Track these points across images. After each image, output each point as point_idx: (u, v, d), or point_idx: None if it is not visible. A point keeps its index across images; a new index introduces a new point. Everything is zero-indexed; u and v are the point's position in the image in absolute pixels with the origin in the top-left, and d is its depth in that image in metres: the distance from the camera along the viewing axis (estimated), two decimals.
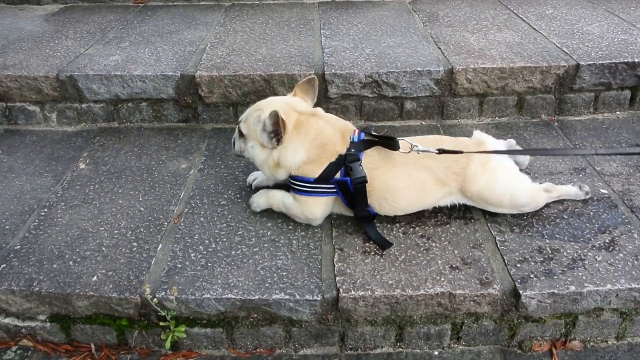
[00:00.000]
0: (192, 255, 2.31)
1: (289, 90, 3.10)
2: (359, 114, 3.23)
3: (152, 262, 2.28)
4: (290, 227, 2.44)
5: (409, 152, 2.31)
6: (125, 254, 2.33)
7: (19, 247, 2.41)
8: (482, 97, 3.21)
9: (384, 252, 2.27)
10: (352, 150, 2.33)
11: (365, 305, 2.12)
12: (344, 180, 2.31)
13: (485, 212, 2.48)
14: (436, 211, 2.48)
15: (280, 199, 2.50)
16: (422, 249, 2.29)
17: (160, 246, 2.36)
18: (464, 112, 3.25)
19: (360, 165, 2.31)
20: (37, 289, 2.19)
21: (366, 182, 2.30)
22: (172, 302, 2.11)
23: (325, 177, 2.33)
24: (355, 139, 2.37)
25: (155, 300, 2.10)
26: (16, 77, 3.25)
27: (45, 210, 2.62)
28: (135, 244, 2.38)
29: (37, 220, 2.55)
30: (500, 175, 2.39)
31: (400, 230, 2.39)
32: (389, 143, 2.35)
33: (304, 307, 2.12)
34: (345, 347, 2.25)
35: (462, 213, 2.48)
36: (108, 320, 2.25)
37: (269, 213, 2.53)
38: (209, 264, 2.26)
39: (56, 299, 2.20)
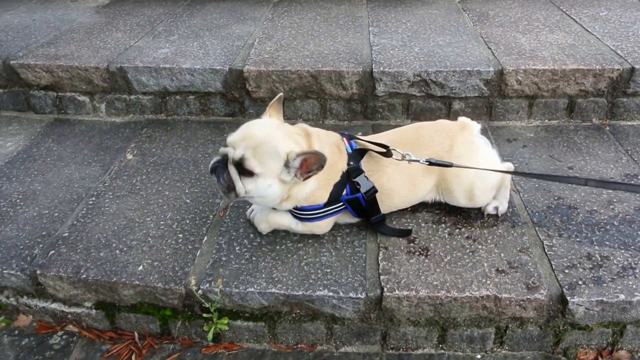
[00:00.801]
0: (236, 248, 2.32)
1: (336, 86, 3.10)
2: (405, 113, 3.21)
3: (197, 254, 2.30)
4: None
5: (402, 160, 2.25)
6: (171, 245, 2.35)
7: (67, 234, 2.45)
8: (532, 99, 3.15)
9: (429, 253, 2.24)
10: (351, 162, 2.26)
11: (409, 306, 2.09)
12: (356, 197, 2.25)
13: (532, 216, 2.43)
14: (482, 213, 2.45)
15: (287, 225, 2.36)
16: (467, 250, 2.26)
17: (205, 238, 2.38)
18: (512, 114, 3.19)
19: (365, 176, 2.25)
20: (84, 276, 2.23)
21: (377, 191, 2.25)
22: (216, 294, 2.12)
23: (334, 198, 2.25)
24: (349, 150, 2.29)
25: (200, 292, 2.11)
26: (67, 68, 3.31)
27: (93, 199, 2.66)
28: (180, 235, 2.40)
29: (85, 209, 2.59)
30: (479, 154, 2.36)
31: (445, 231, 2.36)
32: (383, 152, 2.28)
33: (347, 305, 2.10)
34: (387, 346, 2.24)
35: (509, 216, 2.44)
36: (152, 310, 2.27)
37: None
38: (254, 258, 2.26)
39: (102, 287, 2.24)
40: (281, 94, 2.33)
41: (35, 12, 4.40)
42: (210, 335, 2.22)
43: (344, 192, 2.25)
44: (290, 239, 2.35)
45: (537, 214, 2.45)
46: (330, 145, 2.26)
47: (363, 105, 3.19)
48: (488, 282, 2.10)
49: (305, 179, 2.10)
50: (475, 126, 2.44)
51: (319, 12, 4.01)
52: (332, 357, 2.22)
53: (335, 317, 2.16)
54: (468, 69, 3.04)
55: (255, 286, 2.13)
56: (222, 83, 3.20)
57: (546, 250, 2.26)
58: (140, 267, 2.25)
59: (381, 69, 3.08)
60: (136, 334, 2.35)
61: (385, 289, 2.08)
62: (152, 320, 2.30)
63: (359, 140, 2.34)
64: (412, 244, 2.30)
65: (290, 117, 3.23)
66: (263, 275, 2.17)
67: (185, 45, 3.49)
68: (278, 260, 2.25)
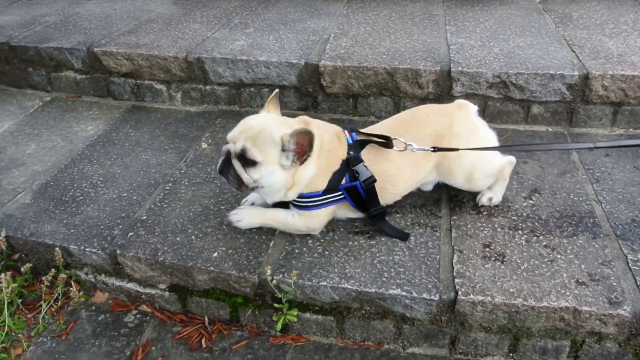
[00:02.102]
0: (309, 241, 2.32)
1: (412, 85, 3.07)
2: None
3: (270, 245, 2.31)
4: (408, 223, 2.41)
5: (404, 150, 2.27)
6: (245, 233, 2.38)
7: (145, 217, 2.51)
8: (617, 106, 3.03)
9: (505, 259, 2.19)
10: (351, 152, 2.28)
11: (482, 311, 2.05)
12: (354, 185, 2.27)
13: (615, 228, 2.35)
14: (562, 221, 2.39)
15: (280, 217, 2.36)
16: (546, 259, 2.20)
17: (278, 230, 2.39)
18: (594, 121, 3.08)
19: (365, 165, 2.26)
20: (161, 258, 2.28)
21: (375, 181, 2.26)
22: (289, 285, 2.13)
23: (334, 186, 2.26)
24: (350, 140, 2.32)
25: (274, 282, 2.13)
26: (147, 56, 3.40)
27: (170, 185, 2.72)
28: None
29: (162, 194, 2.65)
30: (479, 136, 2.41)
31: (522, 238, 2.31)
32: (384, 143, 2.30)
33: (419, 306, 2.08)
34: (455, 350, 2.20)
35: (589, 226, 2.37)
36: (223, 296, 2.31)
37: (397, 207, 2.50)
38: (326, 252, 2.26)
39: (178, 271, 2.28)
40: (277, 90, 2.40)
41: (115, 2, 4.52)
42: (279, 326, 2.24)
43: (343, 181, 2.27)
44: (363, 235, 2.34)
45: (620, 226, 2.37)
46: (330, 134, 2.30)
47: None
48: (567, 293, 2.04)
49: (302, 162, 2.16)
50: (472, 107, 2.48)
51: (394, 9, 3.98)
52: (399, 357, 2.21)
53: (405, 317, 2.14)
54: (551, 72, 2.96)
55: (327, 280, 2.13)
56: (297, 77, 3.22)
57: (630, 264, 2.17)
58: (215, 254, 2.28)
59: (459, 68, 3.03)
60: (206, 318, 2.39)
61: (459, 293, 2.05)
62: (222, 306, 2.33)
63: (360, 134, 2.37)
64: (487, 249, 2.25)
65: (363, 114, 3.23)
66: (336, 270, 2.17)
67: (261, 38, 3.52)
68: (351, 256, 2.24)
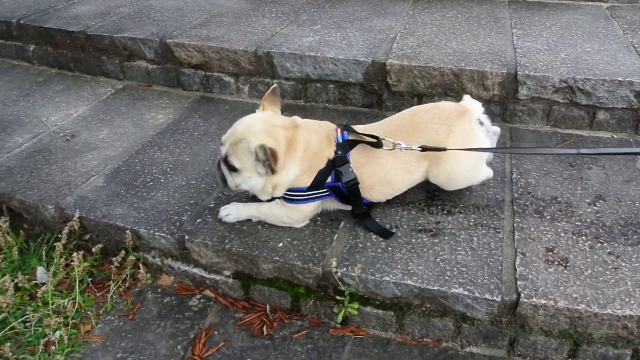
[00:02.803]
0: (372, 237, 2.36)
1: (477, 86, 3.08)
2: (545, 119, 3.13)
3: (335, 238, 2.36)
4: (471, 223, 2.43)
5: (392, 149, 2.31)
6: (310, 225, 2.44)
7: (212, 205, 2.60)
8: None
9: (569, 264, 2.19)
10: (339, 152, 2.33)
11: (544, 315, 2.06)
12: (337, 185, 2.33)
13: None
14: (627, 229, 2.37)
15: (265, 208, 2.45)
16: (610, 266, 2.18)
17: (342, 223, 2.45)
18: None
19: (350, 167, 2.31)
20: (228, 246, 2.36)
21: (358, 183, 2.32)
22: (353, 279, 2.18)
23: (318, 184, 2.33)
24: (340, 140, 2.35)
25: (338, 274, 2.17)
26: (218, 49, 3.49)
27: None
28: (319, 217, 2.48)
29: None
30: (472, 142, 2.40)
31: (586, 244, 2.30)
32: (373, 142, 2.33)
33: (480, 306, 2.10)
34: (514, 352, 2.21)
35: None
36: (286, 286, 2.37)
37: (460, 207, 2.53)
38: (389, 248, 2.30)
39: (243, 258, 2.35)
40: (275, 85, 2.48)
41: None
42: (339, 318, 2.29)
43: (329, 180, 2.33)
44: (426, 233, 2.37)
45: None
46: (319, 135, 2.36)
47: (502, 107, 3.15)
48: (632, 302, 2.03)
49: (273, 172, 2.24)
50: (476, 110, 2.45)
51: (460, 11, 3.98)
52: (457, 355, 2.23)
53: (465, 316, 2.16)
54: (619, 79, 2.92)
55: (390, 276, 2.17)
56: (363, 74, 3.25)
57: None
58: (281, 244, 2.35)
59: (526, 72, 3.02)
60: (268, 306, 2.46)
61: (522, 295, 2.05)
62: (284, 295, 2.39)
63: (353, 132, 2.39)
64: (550, 253, 2.25)
65: None
66: (399, 266, 2.21)
67: (329, 35, 3.57)
68: (414, 253, 2.27)
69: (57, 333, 2.29)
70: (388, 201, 2.54)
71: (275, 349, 2.27)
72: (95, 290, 2.58)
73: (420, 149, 2.29)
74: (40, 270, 2.61)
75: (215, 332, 2.36)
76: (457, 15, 3.90)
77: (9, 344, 2.17)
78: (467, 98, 2.52)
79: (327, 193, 2.38)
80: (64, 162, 3.00)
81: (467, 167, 2.43)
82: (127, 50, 3.81)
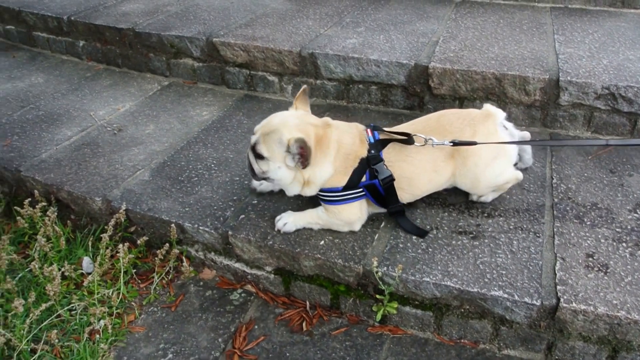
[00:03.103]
0: (413, 238, 2.40)
1: (519, 91, 3.08)
2: (586, 125, 3.12)
3: (375, 238, 2.40)
4: (511, 227, 2.44)
5: (424, 144, 2.36)
6: None
7: (255, 202, 2.66)
8: None
9: (609, 270, 2.19)
10: (372, 151, 2.37)
11: (584, 320, 2.07)
12: (372, 183, 2.36)
13: None
14: None
15: (315, 215, 2.50)
16: None
17: (383, 224, 2.48)
18: None
19: (384, 164, 2.36)
20: (270, 242, 2.41)
21: (394, 180, 2.36)
22: (393, 278, 2.21)
23: (353, 184, 2.36)
24: (371, 140, 2.40)
25: (379, 274, 2.21)
26: (263, 49, 3.55)
27: None
28: None
29: None
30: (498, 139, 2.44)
31: (627, 251, 2.29)
32: (405, 139, 2.38)
33: (519, 309, 2.12)
34: (552, 356, 2.22)
35: None
36: (326, 283, 2.41)
37: (500, 211, 2.55)
38: (430, 249, 2.33)
39: (285, 255, 2.41)
40: (305, 86, 2.51)
41: None
42: (378, 316, 2.33)
43: (364, 179, 2.36)
44: (466, 235, 2.40)
45: None
46: (352, 135, 2.41)
47: (543, 112, 3.15)
48: None
49: (303, 167, 2.28)
50: (500, 115, 2.49)
51: (502, 16, 3.98)
52: (494, 357, 2.25)
53: (504, 319, 2.18)
54: None
55: (430, 276, 2.20)
56: (405, 77, 3.28)
57: None
58: (322, 242, 2.39)
59: (568, 78, 3.02)
60: (307, 303, 2.50)
61: (561, 300, 2.07)
62: (324, 292, 2.44)
63: (382, 132, 2.44)
64: (590, 259, 2.26)
65: None
66: (439, 268, 2.24)
67: (372, 38, 3.60)
68: (454, 255, 2.30)
69: (102, 322, 2.37)
70: (429, 203, 2.58)
71: (314, 345, 2.32)
72: (139, 281, 2.66)
73: (452, 143, 2.34)
74: (86, 260, 2.69)
75: (256, 327, 2.41)
76: (499, 20, 3.90)
77: (55, 330, 2.24)
78: (487, 106, 2.56)
79: (363, 193, 2.40)
80: (111, 156, 3.09)
81: (492, 168, 2.44)
82: (174, 47, 3.89)
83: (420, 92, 3.30)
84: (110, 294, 2.49)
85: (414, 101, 3.35)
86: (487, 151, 2.39)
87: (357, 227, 2.47)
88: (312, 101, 3.54)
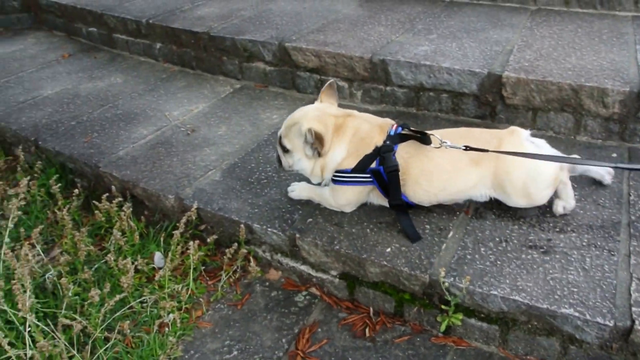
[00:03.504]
0: (481, 249, 2.36)
1: (596, 103, 3.00)
2: None
3: (443, 247, 2.38)
4: (584, 243, 2.37)
5: (439, 147, 2.39)
6: (418, 233, 2.47)
7: (323, 207, 2.68)
8: None
9: None
10: (388, 142, 2.44)
11: None
12: (378, 169, 2.43)
13: None
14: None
15: (320, 191, 2.67)
16: None
17: (451, 234, 2.46)
18: None
19: (394, 155, 2.41)
20: (337, 247, 2.43)
21: (398, 170, 2.41)
22: (460, 290, 2.18)
23: (361, 167, 2.45)
24: (392, 133, 2.48)
25: (446, 284, 2.19)
26: (334, 54, 3.58)
27: None
28: (427, 226, 2.51)
29: None
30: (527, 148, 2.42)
31: None
32: (421, 138, 2.44)
33: (590, 329, 2.05)
34: None
35: None
36: (391, 291, 2.41)
37: (572, 226, 2.48)
38: (498, 262, 2.29)
39: (351, 260, 2.42)
40: (332, 80, 2.70)
41: (305, 1, 4.78)
42: (443, 327, 2.30)
43: (374, 165, 2.45)
44: (536, 250, 2.34)
45: None
46: (371, 124, 2.53)
47: (622, 126, 3.04)
48: None
49: (320, 155, 2.47)
50: (524, 132, 2.48)
51: (580, 25, 3.87)
52: None
53: (573, 338, 2.12)
54: None
55: (499, 290, 2.16)
56: (478, 85, 3.24)
57: None
58: (389, 249, 2.39)
59: None
60: (371, 309, 2.50)
61: (636, 322, 1.99)
62: (388, 299, 2.43)
63: (408, 129, 2.50)
64: None
65: (541, 128, 3.18)
66: (507, 281, 2.20)
67: (444, 45, 3.57)
68: (523, 269, 2.25)
69: (171, 316, 2.43)
70: (498, 215, 2.54)
71: (376, 351, 2.31)
72: (207, 278, 2.72)
73: (464, 147, 2.36)
74: (157, 255, 2.78)
75: (319, 330, 2.43)
76: (577, 29, 3.80)
77: (128, 321, 2.32)
78: (513, 127, 2.55)
79: (370, 179, 2.48)
80: (184, 155, 3.18)
81: (529, 170, 2.40)
82: (246, 51, 3.97)
83: (493, 101, 3.25)
84: (179, 289, 2.56)
85: (486, 110, 3.30)
86: (516, 162, 2.39)
87: (347, 210, 2.65)
88: (381, 108, 3.56)
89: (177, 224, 2.70)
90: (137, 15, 4.60)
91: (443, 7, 4.35)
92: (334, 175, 2.53)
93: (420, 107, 3.48)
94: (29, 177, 3.08)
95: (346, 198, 2.59)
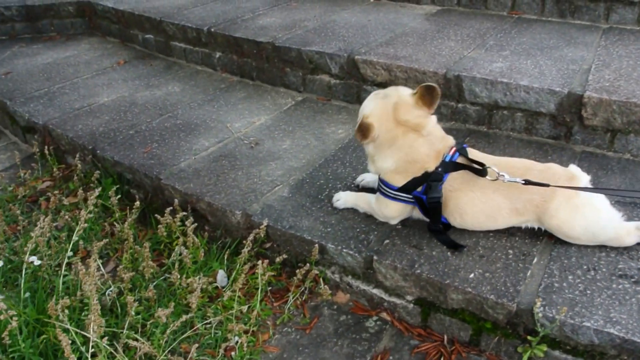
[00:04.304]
0: (569, 277, 2.24)
1: None
2: None
3: (528, 274, 2.27)
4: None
5: (495, 179, 2.31)
6: (501, 259, 2.36)
7: (400, 227, 2.60)
8: None
9: None
10: (440, 169, 2.39)
11: None
12: (421, 197, 2.42)
13: None
14: None
15: (367, 199, 2.67)
16: None
17: (535, 260, 2.34)
18: None
19: (441, 186, 2.38)
20: (418, 271, 2.33)
21: (440, 203, 2.40)
22: (553, 320, 2.07)
23: (407, 189, 2.44)
24: (448, 159, 2.41)
25: (540, 315, 2.08)
26: (406, 69, 3.50)
27: None
28: (510, 251, 2.39)
29: None
30: (584, 212, 2.33)
31: None
32: (477, 169, 2.36)
33: None
34: None
35: None
36: (470, 318, 2.30)
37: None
38: (588, 292, 2.17)
39: (431, 286, 2.32)
40: (435, 85, 2.43)
41: (369, 13, 4.70)
42: (525, 358, 2.18)
43: (420, 189, 2.42)
44: (627, 279, 2.22)
45: None
46: (431, 147, 2.43)
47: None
48: None
49: (365, 143, 2.48)
50: (584, 178, 2.41)
51: None
52: None
53: None
54: None
55: (591, 322, 2.04)
56: (556, 105, 3.12)
57: None
58: (472, 275, 2.28)
59: None
60: (445, 337, 2.39)
61: None
62: (465, 327, 2.33)
63: (465, 157, 2.45)
64: None
65: (619, 151, 3.05)
66: (599, 312, 2.08)
67: (519, 62, 3.47)
68: (615, 300, 2.13)
69: (237, 339, 2.35)
70: None
71: None
72: (273, 300, 2.63)
73: (524, 182, 2.29)
74: (220, 274, 2.70)
75: (390, 357, 2.33)
76: None
77: (196, 345, 2.24)
78: (573, 167, 2.50)
79: (413, 200, 2.47)
80: (249, 169, 3.12)
81: (582, 224, 2.34)
82: (312, 63, 3.91)
83: (570, 121, 3.12)
84: (245, 310, 2.48)
85: (561, 131, 3.18)
86: (566, 215, 2.33)
87: (393, 222, 2.63)
88: (450, 125, 3.46)
89: (244, 242, 2.62)
90: (198, 24, 4.58)
91: (512, 24, 4.24)
92: (382, 187, 2.53)
93: (492, 126, 3.37)
94: (82, 187, 3.04)
95: (390, 210, 2.57)
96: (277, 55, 4.07)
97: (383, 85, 3.63)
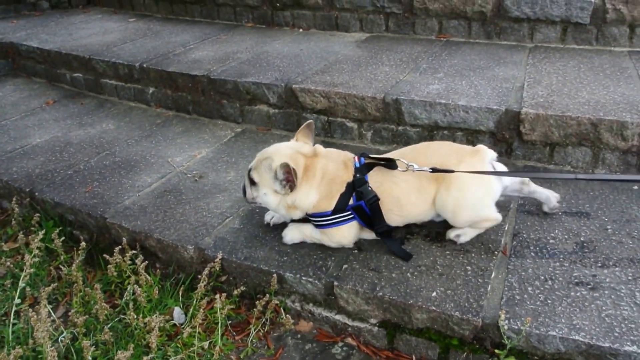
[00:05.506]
0: (529, 289, 2.28)
1: (615, 137, 2.99)
2: None
3: (488, 289, 2.29)
4: (629, 277, 2.31)
5: (406, 170, 2.45)
6: (460, 275, 2.38)
7: (356, 251, 2.58)
8: None
9: None
10: (357, 175, 2.50)
11: None
12: (359, 204, 2.48)
13: None
14: None
15: (310, 233, 2.65)
16: None
17: (493, 274, 2.37)
18: None
19: (369, 186, 2.47)
20: (380, 294, 2.31)
21: (379, 199, 2.47)
22: (518, 332, 2.09)
23: (341, 207, 2.49)
24: (357, 165, 2.54)
25: (505, 327, 2.10)
26: (345, 95, 3.53)
27: None
28: (469, 267, 2.42)
29: None
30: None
31: None
32: (388, 164, 2.50)
33: None
34: None
35: None
36: (436, 337, 2.30)
37: (613, 260, 2.42)
38: (549, 301, 2.21)
39: (395, 307, 2.30)
40: (310, 121, 2.72)
41: (300, 42, 4.75)
42: None
43: (351, 202, 2.49)
44: (584, 287, 2.27)
45: None
46: (336, 162, 2.57)
47: None
48: None
49: (291, 190, 2.47)
50: (489, 154, 2.56)
51: (581, 61, 3.90)
52: None
53: None
54: None
55: (556, 330, 2.08)
56: (495, 123, 3.21)
57: None
58: (434, 294, 2.29)
59: None
60: (413, 357, 2.37)
61: None
62: (432, 346, 2.32)
63: (369, 158, 2.57)
64: None
65: (559, 163, 3.16)
66: (563, 321, 2.12)
67: (454, 83, 3.55)
68: (575, 307, 2.17)
69: None
70: (537, 253, 2.47)
71: None
72: (234, 333, 2.56)
73: (431, 170, 2.42)
74: (177, 311, 2.61)
75: None
76: (579, 65, 3.82)
77: None
78: (481, 145, 2.62)
79: (352, 216, 2.51)
80: (196, 203, 3.05)
81: (475, 197, 2.49)
82: (249, 94, 3.89)
83: (510, 138, 3.22)
84: (206, 346, 2.40)
85: (502, 147, 3.26)
86: (472, 180, 2.44)
87: (349, 246, 2.62)
88: (392, 148, 3.47)
89: (198, 276, 2.55)
90: (129, 60, 4.49)
91: (441, 47, 4.36)
92: (315, 221, 2.56)
93: None
94: (22, 231, 2.89)
95: (338, 236, 2.57)
96: (213, 88, 4.03)
97: (323, 112, 3.66)
